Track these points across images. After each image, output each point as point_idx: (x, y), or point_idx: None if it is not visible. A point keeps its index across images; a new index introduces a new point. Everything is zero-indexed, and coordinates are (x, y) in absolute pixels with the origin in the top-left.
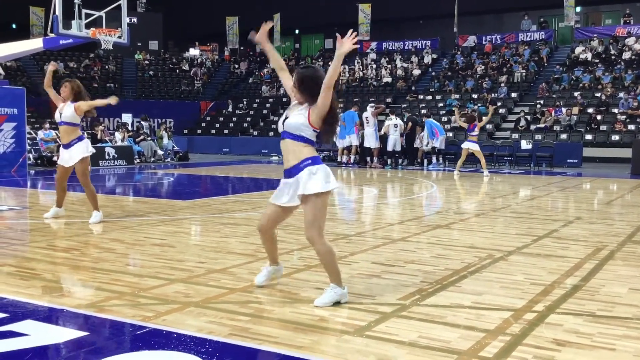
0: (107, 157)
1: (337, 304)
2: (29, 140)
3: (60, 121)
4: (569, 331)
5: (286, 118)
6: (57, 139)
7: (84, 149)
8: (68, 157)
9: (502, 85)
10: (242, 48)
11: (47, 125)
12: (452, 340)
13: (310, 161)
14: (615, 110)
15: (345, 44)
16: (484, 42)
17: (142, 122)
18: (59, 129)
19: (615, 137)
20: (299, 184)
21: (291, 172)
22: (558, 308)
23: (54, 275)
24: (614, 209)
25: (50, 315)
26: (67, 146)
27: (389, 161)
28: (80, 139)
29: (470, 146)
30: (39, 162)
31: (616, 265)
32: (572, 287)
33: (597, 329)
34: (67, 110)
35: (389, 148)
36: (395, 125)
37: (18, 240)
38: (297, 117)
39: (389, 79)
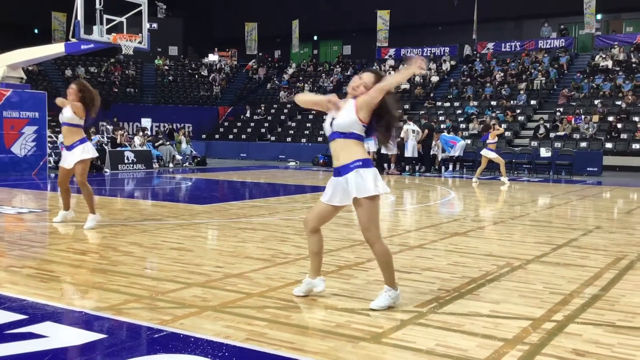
0: (126, 161)
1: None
2: (49, 144)
3: (62, 122)
4: (588, 341)
5: (333, 119)
6: None
7: (85, 151)
8: (70, 159)
9: (522, 92)
10: (260, 54)
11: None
12: (469, 349)
13: (360, 163)
14: (636, 119)
15: (414, 64)
16: (503, 49)
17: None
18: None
19: (636, 146)
20: (348, 184)
21: (340, 171)
22: (577, 318)
23: (73, 278)
24: (634, 218)
25: (69, 318)
26: (69, 148)
27: (406, 167)
28: (82, 141)
29: (488, 154)
30: (59, 165)
31: (636, 275)
32: (591, 296)
33: (617, 340)
34: (67, 111)
35: (408, 154)
36: (414, 131)
37: (38, 242)
38: (345, 115)
39: (407, 86)
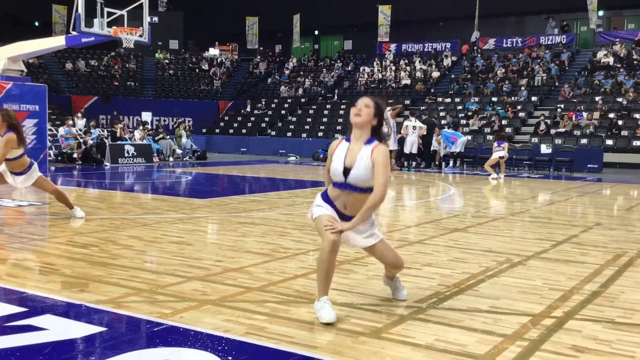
0: (126, 154)
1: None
2: (49, 137)
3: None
4: (587, 337)
5: (347, 169)
6: (78, 137)
7: (30, 177)
8: (21, 184)
9: (523, 88)
10: (261, 48)
11: (71, 122)
12: (469, 344)
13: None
14: (637, 116)
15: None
16: (504, 45)
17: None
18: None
19: (637, 143)
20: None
21: (345, 218)
22: (577, 314)
23: (73, 271)
24: (634, 215)
25: (69, 310)
26: (19, 174)
27: (405, 163)
28: (30, 167)
29: (500, 154)
30: (60, 158)
31: (636, 272)
32: (591, 293)
33: (617, 336)
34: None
35: (406, 150)
36: (414, 127)
37: (38, 235)
38: (364, 166)
39: (408, 81)
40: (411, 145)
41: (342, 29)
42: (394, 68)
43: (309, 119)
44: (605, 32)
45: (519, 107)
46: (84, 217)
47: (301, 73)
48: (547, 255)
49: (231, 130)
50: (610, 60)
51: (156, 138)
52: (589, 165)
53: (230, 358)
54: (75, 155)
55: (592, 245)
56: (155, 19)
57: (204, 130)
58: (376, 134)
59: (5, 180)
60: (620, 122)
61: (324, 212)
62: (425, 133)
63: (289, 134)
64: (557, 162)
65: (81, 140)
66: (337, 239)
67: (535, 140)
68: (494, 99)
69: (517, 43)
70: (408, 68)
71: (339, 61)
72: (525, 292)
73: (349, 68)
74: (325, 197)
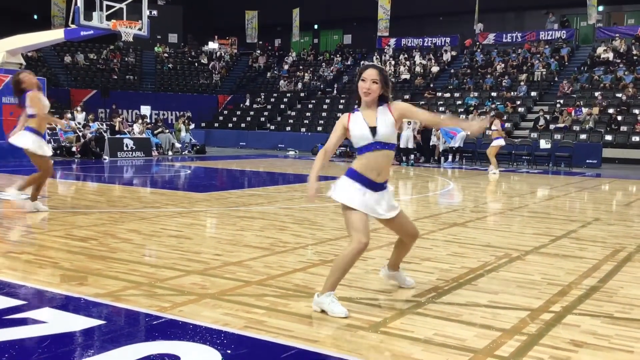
0: (125, 148)
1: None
2: (48, 131)
3: (43, 113)
4: (586, 332)
5: (373, 128)
6: (76, 130)
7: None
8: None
9: (522, 83)
10: (260, 42)
11: (69, 116)
12: (467, 339)
13: (387, 183)
14: (636, 111)
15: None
16: (504, 40)
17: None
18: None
19: (636, 138)
20: (385, 200)
21: (376, 188)
22: (575, 309)
23: (72, 264)
24: (633, 210)
25: (68, 304)
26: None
27: (404, 158)
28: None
29: (501, 143)
30: (58, 152)
31: (635, 267)
32: (589, 288)
33: (615, 331)
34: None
35: (402, 145)
36: (409, 122)
37: (37, 228)
38: (387, 125)
39: (407, 76)
40: (406, 139)
41: (342, 23)
42: (393, 63)
43: (308, 114)
44: (605, 27)
45: (518, 102)
46: (33, 212)
47: (300, 67)
48: (546, 250)
49: (230, 125)
50: (610, 55)
51: (155, 132)
52: (588, 161)
53: (229, 351)
54: (74, 149)
55: (590, 241)
56: (155, 12)
57: (203, 124)
58: (384, 98)
59: (43, 155)
60: (619, 118)
61: (359, 209)
62: (420, 128)
63: (288, 128)
64: (556, 158)
65: (80, 134)
66: (368, 240)
67: (534, 135)
68: (494, 94)
69: (517, 38)
70: (407, 63)
71: (338, 55)
72: (524, 287)
73: (348, 62)
74: (355, 175)
